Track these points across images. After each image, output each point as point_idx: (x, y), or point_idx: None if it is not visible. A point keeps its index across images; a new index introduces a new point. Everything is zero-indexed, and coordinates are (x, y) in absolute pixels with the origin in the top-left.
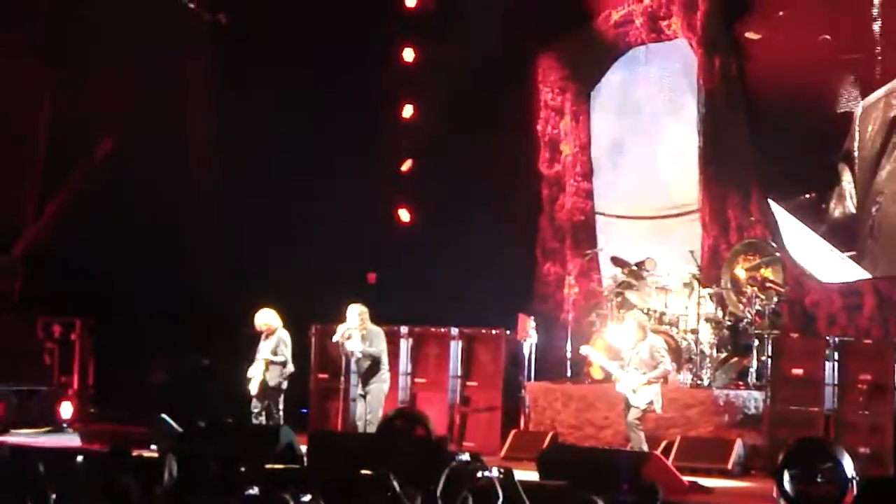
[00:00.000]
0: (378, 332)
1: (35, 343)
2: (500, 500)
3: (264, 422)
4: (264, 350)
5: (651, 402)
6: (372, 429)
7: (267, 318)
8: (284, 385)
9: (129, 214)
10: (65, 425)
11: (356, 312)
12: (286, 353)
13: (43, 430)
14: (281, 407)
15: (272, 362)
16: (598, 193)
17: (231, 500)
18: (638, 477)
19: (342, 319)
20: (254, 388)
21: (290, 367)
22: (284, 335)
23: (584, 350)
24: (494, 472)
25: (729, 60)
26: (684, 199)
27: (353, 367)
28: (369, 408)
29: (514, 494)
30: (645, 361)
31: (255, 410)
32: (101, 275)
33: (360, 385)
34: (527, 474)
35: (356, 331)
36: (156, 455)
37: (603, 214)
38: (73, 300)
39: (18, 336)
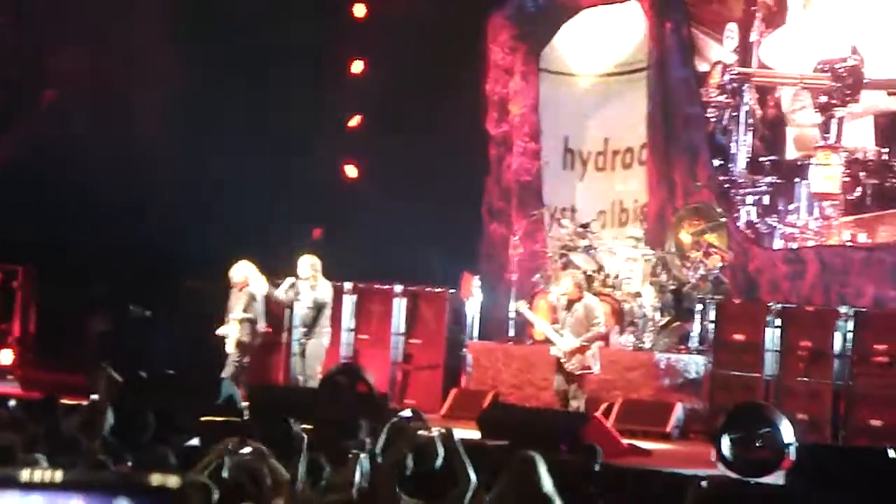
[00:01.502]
0: (327, 285)
1: None
2: (441, 458)
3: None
4: (236, 308)
5: (587, 366)
6: (310, 384)
7: (245, 270)
8: (258, 343)
9: (75, 164)
10: (5, 372)
11: (308, 263)
12: (258, 308)
13: None
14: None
15: (244, 320)
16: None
17: (168, 451)
18: (577, 438)
19: (288, 273)
20: (230, 346)
21: (262, 325)
22: (256, 290)
23: (519, 307)
24: (435, 432)
25: (680, 24)
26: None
27: (297, 320)
28: (307, 363)
29: (455, 453)
30: (581, 322)
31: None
32: (44, 223)
33: (301, 339)
34: (467, 433)
35: (305, 282)
36: (94, 404)
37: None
38: (15, 248)
39: None
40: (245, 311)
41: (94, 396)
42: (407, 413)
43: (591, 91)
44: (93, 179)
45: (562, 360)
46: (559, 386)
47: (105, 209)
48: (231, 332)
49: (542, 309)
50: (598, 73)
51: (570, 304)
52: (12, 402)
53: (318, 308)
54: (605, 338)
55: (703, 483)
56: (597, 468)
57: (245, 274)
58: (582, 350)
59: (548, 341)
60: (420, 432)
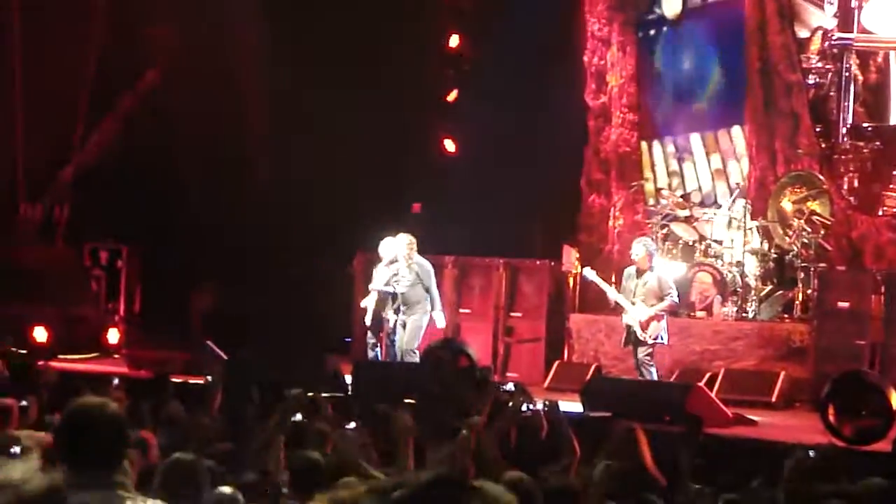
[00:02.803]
0: (422, 261)
1: (82, 269)
2: (545, 432)
3: (379, 355)
4: (377, 279)
5: (659, 336)
6: (408, 359)
7: (396, 245)
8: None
9: (177, 144)
10: (111, 351)
11: (404, 242)
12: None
13: (90, 355)
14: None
15: (384, 293)
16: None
17: (274, 427)
18: (682, 409)
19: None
20: (368, 319)
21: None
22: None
23: (587, 274)
24: (539, 405)
25: None
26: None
27: (398, 297)
28: (406, 338)
29: (559, 426)
30: (653, 291)
31: (371, 342)
32: (149, 201)
33: (402, 314)
34: (570, 405)
35: (402, 261)
36: (200, 382)
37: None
38: (120, 227)
39: (66, 262)
40: (386, 283)
41: (208, 377)
42: (510, 386)
43: None
44: (194, 158)
45: (634, 330)
46: (642, 354)
47: (207, 186)
48: (370, 303)
49: None
50: None
51: (639, 273)
52: (115, 381)
53: (417, 284)
54: (677, 307)
55: (811, 452)
56: (700, 438)
57: (395, 248)
58: (657, 318)
59: (618, 307)
60: (524, 407)
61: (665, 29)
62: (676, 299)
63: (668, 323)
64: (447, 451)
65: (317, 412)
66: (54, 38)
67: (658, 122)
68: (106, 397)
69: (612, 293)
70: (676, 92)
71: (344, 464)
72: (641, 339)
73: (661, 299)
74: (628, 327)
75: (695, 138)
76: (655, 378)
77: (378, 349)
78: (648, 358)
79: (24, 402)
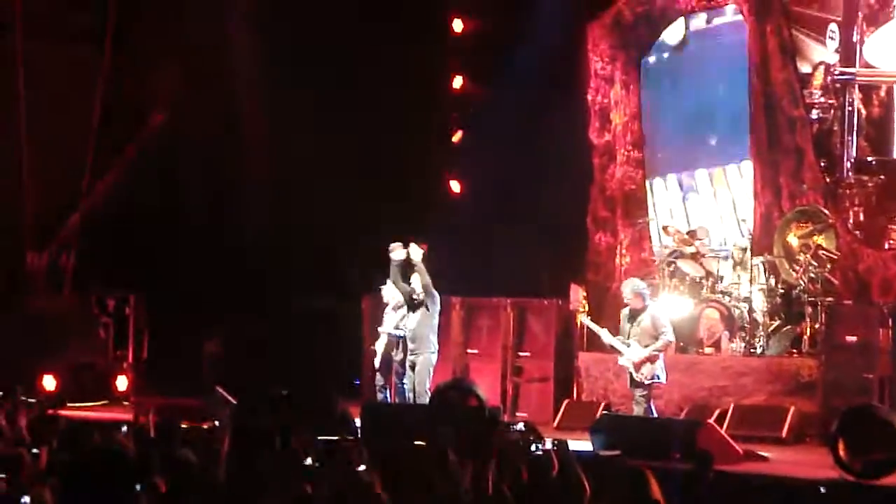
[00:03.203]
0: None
1: (90, 317)
2: (556, 470)
3: (387, 398)
4: (387, 322)
5: (655, 377)
6: (420, 400)
7: (413, 252)
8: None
9: (182, 188)
10: (120, 398)
11: (419, 250)
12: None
13: (98, 403)
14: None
15: (394, 336)
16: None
17: (285, 472)
18: (692, 446)
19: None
20: (377, 361)
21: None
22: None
23: (581, 319)
24: (549, 444)
25: (780, 26)
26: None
27: (407, 333)
28: (417, 378)
29: (569, 466)
30: (647, 332)
31: (380, 384)
32: (154, 247)
33: (410, 355)
34: (580, 444)
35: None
36: (209, 427)
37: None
38: (127, 273)
39: (73, 310)
40: (396, 327)
41: (216, 422)
42: (520, 426)
43: None
44: (198, 201)
45: (630, 371)
46: (639, 395)
47: (213, 232)
48: (380, 346)
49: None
50: None
51: (633, 315)
52: (124, 428)
53: (425, 319)
54: (671, 346)
55: (822, 488)
56: (709, 475)
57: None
58: (651, 359)
59: (613, 350)
60: (533, 447)
61: (667, 56)
62: (671, 338)
63: (672, 360)
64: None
65: None
66: (59, 86)
67: (663, 158)
68: (115, 444)
69: (605, 337)
70: (682, 126)
71: None
72: (637, 379)
73: (656, 338)
74: (627, 370)
75: (701, 174)
76: (642, 413)
77: (387, 391)
78: (643, 399)
79: (34, 451)
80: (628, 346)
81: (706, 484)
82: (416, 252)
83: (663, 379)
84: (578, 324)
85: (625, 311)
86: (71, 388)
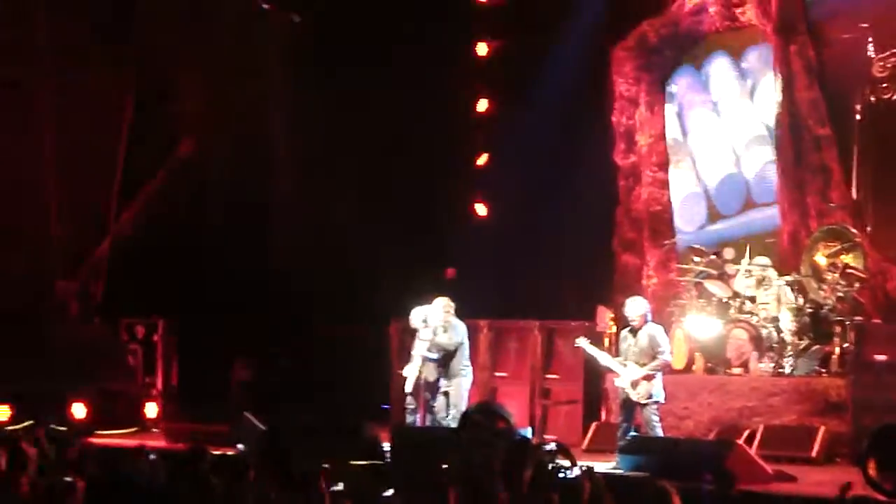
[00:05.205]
0: (458, 325)
1: (119, 344)
2: (587, 495)
3: (417, 420)
4: (419, 346)
5: (651, 396)
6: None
7: (432, 310)
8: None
9: (209, 214)
10: (150, 425)
11: (441, 305)
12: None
13: (128, 430)
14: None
15: (427, 359)
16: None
17: (314, 498)
18: (721, 467)
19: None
20: (409, 386)
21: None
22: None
23: (579, 342)
24: (576, 471)
25: (805, 46)
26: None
27: (433, 360)
28: (452, 402)
29: (599, 491)
30: (644, 351)
31: (410, 407)
32: (183, 274)
33: (441, 379)
34: (609, 466)
35: (439, 326)
36: (237, 453)
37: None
38: (155, 300)
39: (103, 338)
40: (429, 349)
41: (240, 447)
42: (552, 447)
43: None
44: (227, 226)
45: (627, 391)
46: (622, 420)
47: (241, 258)
48: (412, 371)
49: (679, 338)
50: None
51: (634, 332)
52: (153, 456)
53: (455, 349)
54: (669, 366)
55: None
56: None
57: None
58: (647, 378)
59: (611, 372)
60: (562, 474)
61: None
62: (668, 358)
63: (701, 381)
64: None
65: None
66: (87, 114)
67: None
68: (143, 470)
69: (603, 359)
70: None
71: None
72: (635, 399)
73: (653, 358)
74: (622, 390)
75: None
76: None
77: (417, 414)
78: (656, 418)
79: (67, 479)
80: (625, 366)
81: (730, 502)
82: (435, 314)
83: (661, 398)
84: (606, 345)
85: (624, 332)
86: (101, 416)
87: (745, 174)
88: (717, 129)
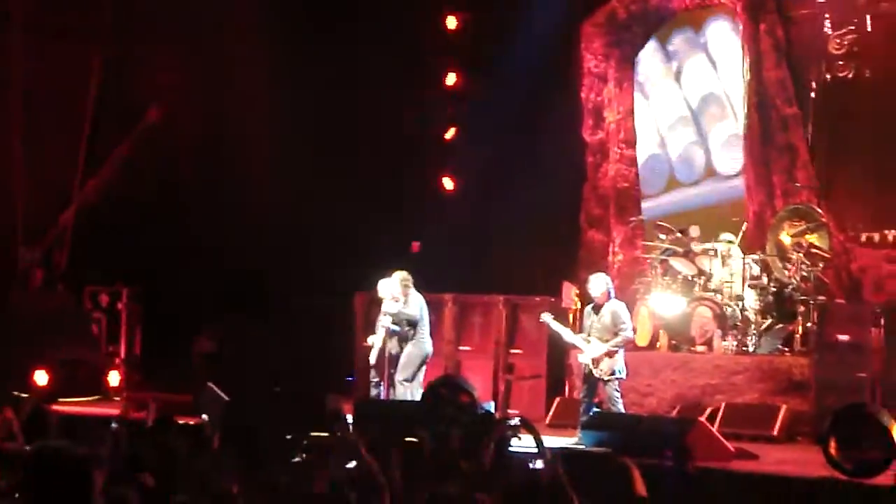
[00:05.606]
0: (416, 298)
1: (82, 313)
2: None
3: (382, 394)
4: (384, 319)
5: (614, 372)
6: (402, 388)
7: (391, 283)
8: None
9: (175, 184)
10: (112, 394)
11: (399, 279)
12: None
13: (91, 398)
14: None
15: (392, 332)
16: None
17: (277, 468)
18: (683, 443)
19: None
20: (373, 357)
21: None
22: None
23: (543, 318)
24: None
25: (774, 25)
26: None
27: (396, 332)
28: (400, 365)
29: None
30: (607, 328)
31: (374, 380)
32: (148, 243)
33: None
34: (571, 441)
35: (397, 301)
36: (199, 423)
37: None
38: (120, 269)
39: (66, 306)
40: (394, 322)
41: (204, 417)
42: (515, 421)
43: None
44: (194, 199)
45: (589, 367)
46: (584, 396)
47: (207, 229)
48: (376, 341)
49: (644, 315)
50: None
51: (596, 309)
52: (114, 424)
53: (411, 324)
54: (632, 342)
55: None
56: (690, 470)
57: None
58: (609, 355)
59: (575, 348)
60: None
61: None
62: (630, 335)
63: (664, 359)
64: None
65: None
66: (53, 82)
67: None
68: (105, 440)
69: (567, 336)
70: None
71: None
72: (597, 375)
73: (615, 334)
74: (585, 366)
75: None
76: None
77: (381, 387)
78: (617, 394)
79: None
80: (588, 342)
81: (688, 478)
82: (393, 287)
83: (623, 374)
84: (571, 321)
85: (588, 308)
86: (63, 384)
87: (671, 154)
88: (644, 111)
